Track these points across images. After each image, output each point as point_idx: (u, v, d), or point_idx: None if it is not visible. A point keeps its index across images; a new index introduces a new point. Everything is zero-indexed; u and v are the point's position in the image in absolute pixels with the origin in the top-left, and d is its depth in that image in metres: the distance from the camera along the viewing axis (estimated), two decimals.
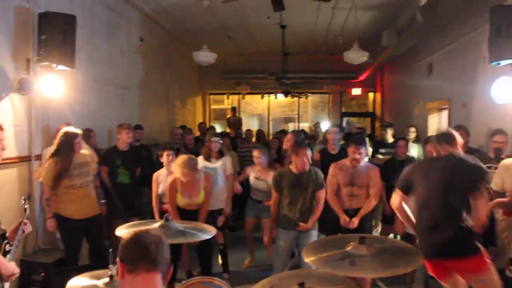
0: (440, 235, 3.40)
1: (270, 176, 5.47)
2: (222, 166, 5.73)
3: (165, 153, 5.32)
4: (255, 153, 5.71)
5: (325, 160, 5.61)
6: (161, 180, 5.26)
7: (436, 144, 3.71)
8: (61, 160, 4.48)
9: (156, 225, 3.39)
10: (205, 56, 8.46)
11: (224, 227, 5.85)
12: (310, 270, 2.54)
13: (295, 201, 4.69)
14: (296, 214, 4.69)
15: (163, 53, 9.82)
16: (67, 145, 4.52)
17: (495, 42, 4.55)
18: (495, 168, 4.81)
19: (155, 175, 5.33)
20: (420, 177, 3.62)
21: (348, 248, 2.50)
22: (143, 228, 1.96)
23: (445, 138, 3.67)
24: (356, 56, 8.29)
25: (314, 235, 4.82)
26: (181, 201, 4.82)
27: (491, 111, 5.62)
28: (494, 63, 4.65)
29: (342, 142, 6.54)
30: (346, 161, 4.88)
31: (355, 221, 4.67)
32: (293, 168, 4.71)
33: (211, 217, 5.49)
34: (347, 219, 4.68)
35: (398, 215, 3.87)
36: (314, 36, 10.66)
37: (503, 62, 4.60)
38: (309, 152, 4.69)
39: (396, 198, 3.78)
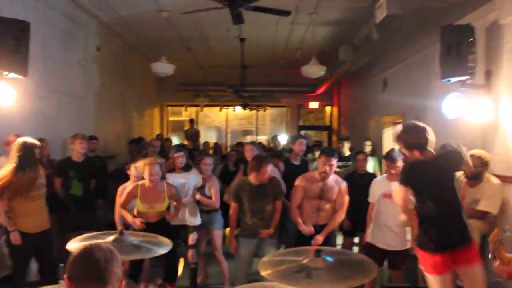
0: (447, 225, 3.47)
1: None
2: (193, 179, 5.56)
3: (133, 166, 5.20)
4: (208, 160, 5.65)
5: (288, 170, 5.65)
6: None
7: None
8: (25, 174, 4.30)
9: (110, 238, 3.22)
10: (163, 68, 8.40)
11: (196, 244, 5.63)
12: (265, 284, 2.53)
13: (256, 211, 4.68)
14: (257, 223, 4.68)
15: (120, 63, 9.68)
16: (29, 156, 4.36)
17: (446, 60, 4.71)
18: None
19: (120, 188, 5.18)
20: (420, 174, 3.58)
21: (305, 261, 2.50)
22: (93, 242, 1.85)
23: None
24: (313, 70, 8.43)
25: (274, 244, 4.81)
26: (141, 207, 4.74)
27: (442, 126, 5.80)
28: (445, 80, 4.82)
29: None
30: (314, 174, 4.78)
31: (320, 238, 4.51)
32: (252, 179, 4.70)
33: (185, 233, 5.43)
34: (312, 230, 4.56)
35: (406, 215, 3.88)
36: (273, 50, 10.78)
37: (453, 79, 4.77)
38: (270, 168, 4.70)
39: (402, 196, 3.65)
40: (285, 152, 8.05)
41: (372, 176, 5.85)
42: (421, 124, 3.68)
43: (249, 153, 5.84)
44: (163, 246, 3.33)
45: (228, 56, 11.03)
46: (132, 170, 5.20)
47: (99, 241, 1.96)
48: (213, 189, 5.48)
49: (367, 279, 2.37)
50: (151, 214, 4.79)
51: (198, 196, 5.41)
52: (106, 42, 8.56)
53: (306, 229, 4.59)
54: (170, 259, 5.02)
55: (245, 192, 4.69)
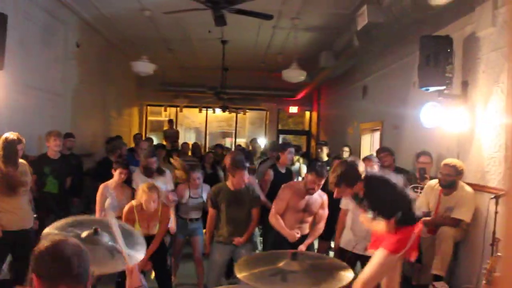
0: None
1: (204, 193, 5.49)
2: (164, 184, 5.55)
3: (117, 171, 5.13)
4: (196, 174, 5.60)
5: (276, 177, 5.66)
6: (109, 193, 5.10)
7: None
8: (8, 170, 4.22)
9: (83, 235, 2.72)
10: (144, 67, 8.33)
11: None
12: (241, 286, 2.52)
13: (232, 217, 4.69)
14: (232, 230, 4.69)
15: (100, 61, 9.56)
16: (10, 152, 4.27)
17: (424, 69, 4.80)
18: (421, 189, 5.06)
19: (101, 186, 5.13)
20: None
21: (280, 264, 2.51)
22: (57, 236, 1.73)
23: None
24: (294, 75, 8.48)
25: (249, 249, 4.83)
26: (139, 230, 4.52)
27: (420, 134, 5.91)
28: (423, 89, 4.90)
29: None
30: (300, 186, 4.73)
31: (303, 248, 4.48)
32: (229, 184, 4.71)
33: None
34: (295, 235, 4.54)
35: None
36: (254, 53, 10.79)
37: (431, 88, 4.85)
38: (246, 174, 4.70)
39: None
40: (264, 157, 8.07)
41: None
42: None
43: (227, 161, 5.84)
44: (140, 250, 2.89)
45: (210, 58, 11.00)
46: (116, 175, 5.15)
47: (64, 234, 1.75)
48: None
49: (342, 283, 2.38)
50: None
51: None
52: (87, 39, 8.44)
53: (290, 233, 4.53)
54: (162, 268, 4.95)
55: (223, 199, 4.71)
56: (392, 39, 6.59)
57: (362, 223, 4.67)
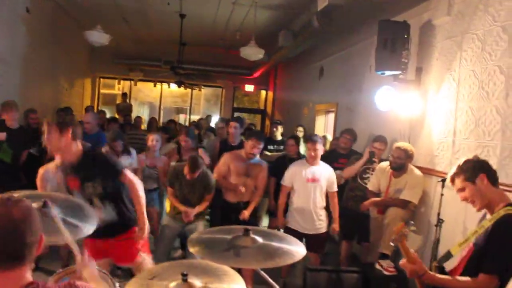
0: None
1: (161, 162, 5.47)
2: (130, 165, 5.47)
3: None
4: (156, 136, 5.64)
5: (225, 151, 5.65)
6: (50, 178, 4.89)
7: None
8: None
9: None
10: (98, 37, 8.02)
11: None
12: (192, 260, 2.52)
13: (185, 199, 4.80)
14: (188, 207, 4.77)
15: (51, 28, 9.13)
16: None
17: (381, 53, 4.87)
18: (372, 171, 5.20)
19: (41, 170, 4.84)
20: None
21: (233, 239, 2.52)
22: (3, 198, 1.48)
23: None
24: (252, 52, 8.42)
25: (201, 225, 4.88)
26: None
27: (374, 117, 6.05)
28: (379, 73, 4.99)
29: None
30: (241, 152, 4.97)
31: (247, 213, 4.81)
32: (185, 171, 4.76)
33: None
34: (243, 189, 4.81)
35: None
36: (213, 29, 10.64)
37: (387, 73, 4.95)
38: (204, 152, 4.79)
39: None
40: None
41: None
42: None
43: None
44: (91, 222, 2.76)
45: (167, 31, 10.77)
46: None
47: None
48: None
49: (294, 258, 2.42)
50: None
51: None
52: (37, 4, 8.03)
53: (237, 186, 4.83)
54: None
55: (178, 181, 4.79)
56: (351, 22, 6.65)
57: (311, 202, 4.83)
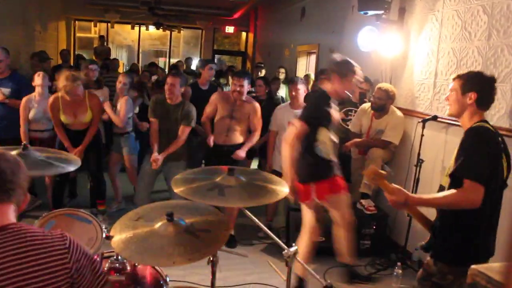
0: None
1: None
2: (103, 97, 5.37)
3: (36, 74, 4.98)
4: (124, 79, 5.36)
5: (196, 94, 5.57)
6: (32, 105, 4.94)
7: None
8: None
9: (13, 153, 2.93)
10: None
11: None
12: (178, 201, 2.55)
13: (165, 131, 4.69)
14: (165, 142, 4.68)
15: None
16: None
17: None
18: (355, 112, 5.23)
19: (24, 99, 4.93)
20: None
21: (218, 179, 2.55)
22: None
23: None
24: None
25: (182, 166, 4.79)
26: (65, 119, 4.70)
27: (356, 58, 5.95)
28: (362, 12, 4.93)
29: (213, 79, 6.53)
30: (229, 93, 4.93)
31: (241, 153, 4.71)
32: (168, 99, 4.66)
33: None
34: (211, 141, 4.75)
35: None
36: None
37: (370, 12, 4.89)
38: (177, 81, 4.60)
39: None
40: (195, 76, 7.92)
41: (269, 101, 5.85)
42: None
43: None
44: (72, 163, 2.99)
45: None
46: (36, 79, 4.99)
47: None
48: (122, 109, 5.25)
49: (278, 197, 2.47)
50: (76, 127, 4.82)
51: (108, 110, 5.21)
52: None
53: (209, 138, 4.77)
54: (95, 176, 5.14)
55: (159, 109, 4.69)
56: None
57: None
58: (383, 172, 2.36)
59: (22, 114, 4.91)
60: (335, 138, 3.75)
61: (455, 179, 2.32)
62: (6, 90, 5.10)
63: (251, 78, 6.79)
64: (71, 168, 2.88)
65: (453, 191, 2.27)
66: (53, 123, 4.82)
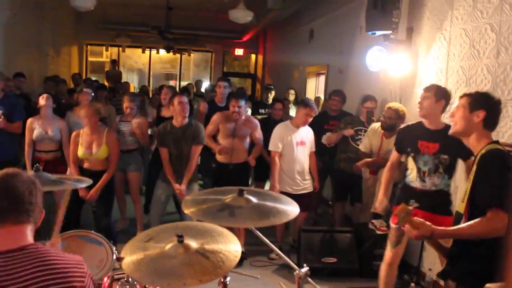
0: None
1: (135, 122, 5.40)
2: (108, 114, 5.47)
3: (40, 96, 5.04)
4: (130, 103, 5.45)
5: (212, 112, 5.60)
6: (35, 126, 5.01)
7: None
8: None
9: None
10: (83, 1, 7.80)
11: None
12: (188, 222, 2.55)
13: (180, 155, 4.67)
14: (176, 166, 4.68)
15: None
16: None
17: (372, 13, 4.82)
18: (364, 132, 5.23)
19: (29, 121, 5.04)
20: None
21: (228, 200, 2.55)
22: (10, 170, 1.61)
23: None
24: (241, 15, 8.31)
25: (195, 188, 4.82)
26: (82, 153, 4.58)
27: (364, 78, 6.03)
28: (370, 32, 4.95)
29: None
30: (230, 112, 5.02)
31: (253, 160, 5.02)
32: (175, 121, 4.68)
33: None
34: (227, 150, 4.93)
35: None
36: None
37: (378, 33, 4.91)
38: (185, 100, 4.65)
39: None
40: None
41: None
42: None
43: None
44: (82, 182, 3.18)
45: None
46: (40, 101, 5.05)
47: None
48: (144, 128, 5.47)
49: (289, 217, 2.46)
50: (92, 161, 4.64)
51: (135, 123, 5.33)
52: None
53: (218, 146, 4.97)
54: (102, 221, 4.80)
55: (170, 135, 4.67)
56: None
57: (300, 164, 4.90)
58: (411, 208, 2.31)
59: (27, 136, 5.00)
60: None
61: (475, 206, 2.29)
62: None
63: (263, 102, 6.88)
64: (82, 185, 2.93)
65: (476, 221, 2.22)
66: (70, 159, 4.74)
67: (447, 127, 3.03)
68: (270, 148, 5.00)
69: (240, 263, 4.75)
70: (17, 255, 1.46)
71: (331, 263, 4.47)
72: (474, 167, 2.34)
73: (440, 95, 3.46)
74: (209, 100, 6.13)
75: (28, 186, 1.56)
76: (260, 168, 5.70)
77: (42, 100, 5.05)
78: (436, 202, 3.46)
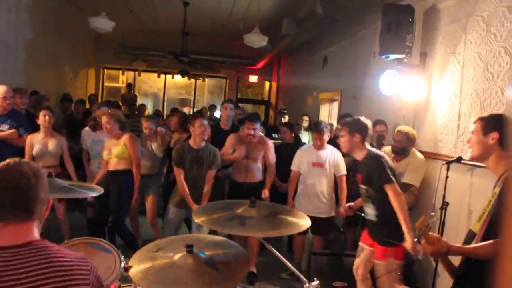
0: None
1: (153, 145, 5.55)
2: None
3: (41, 113, 5.12)
4: (148, 124, 5.66)
5: (216, 135, 5.62)
6: (36, 141, 5.09)
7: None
8: None
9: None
10: (102, 23, 7.97)
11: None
12: (198, 235, 2.55)
13: (192, 177, 4.68)
14: (195, 191, 4.67)
15: (56, 16, 9.12)
16: None
17: (385, 37, 4.86)
18: None
19: (29, 137, 5.11)
20: None
21: (239, 211, 2.55)
22: (12, 162, 1.52)
23: None
24: (256, 39, 8.40)
25: None
26: (105, 154, 4.98)
27: (378, 102, 6.03)
28: (383, 56, 4.98)
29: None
30: (243, 134, 5.10)
31: (267, 192, 4.94)
32: (192, 143, 4.70)
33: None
34: (242, 153, 5.03)
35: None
36: (216, 18, 10.61)
37: (391, 56, 4.94)
38: (206, 123, 4.74)
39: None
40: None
41: (296, 145, 5.92)
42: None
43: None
44: (94, 190, 3.25)
45: (171, 21, 10.75)
46: (41, 119, 5.11)
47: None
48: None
49: (300, 229, 2.45)
50: (113, 162, 4.96)
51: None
52: None
53: (233, 156, 5.05)
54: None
55: (187, 156, 4.69)
56: (355, 9, 6.62)
57: (317, 186, 4.87)
58: (430, 221, 2.30)
59: (27, 152, 5.05)
60: None
61: (493, 227, 2.25)
62: (5, 127, 5.20)
63: (276, 127, 6.93)
64: (93, 193, 2.98)
65: (496, 240, 2.17)
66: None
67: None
68: (291, 167, 5.15)
69: (252, 282, 4.72)
70: (21, 251, 1.44)
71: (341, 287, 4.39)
72: (497, 189, 2.31)
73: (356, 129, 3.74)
74: (212, 124, 6.07)
75: (29, 179, 1.50)
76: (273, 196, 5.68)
77: (41, 116, 5.10)
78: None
